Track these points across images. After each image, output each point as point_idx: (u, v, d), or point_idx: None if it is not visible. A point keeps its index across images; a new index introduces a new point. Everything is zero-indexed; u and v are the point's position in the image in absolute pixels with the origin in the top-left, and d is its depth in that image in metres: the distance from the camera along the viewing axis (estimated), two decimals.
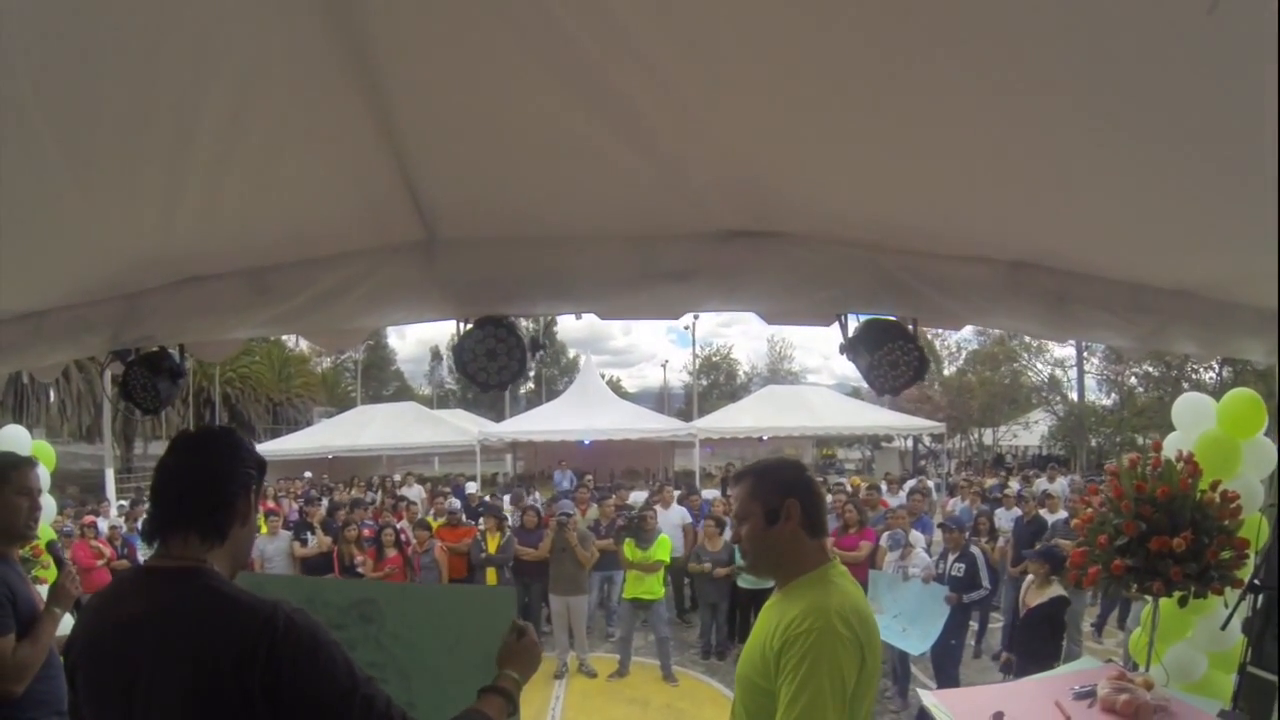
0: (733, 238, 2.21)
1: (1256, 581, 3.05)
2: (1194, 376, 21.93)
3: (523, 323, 2.55)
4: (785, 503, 1.89)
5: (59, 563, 2.80)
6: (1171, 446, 3.96)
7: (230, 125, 1.55)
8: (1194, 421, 4.06)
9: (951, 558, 6.65)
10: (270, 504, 10.65)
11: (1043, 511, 8.68)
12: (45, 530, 4.48)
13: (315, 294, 2.37)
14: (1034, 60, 1.31)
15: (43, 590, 2.61)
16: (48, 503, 5.00)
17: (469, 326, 2.47)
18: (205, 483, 1.48)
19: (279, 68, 1.40)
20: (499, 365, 2.46)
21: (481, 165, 1.86)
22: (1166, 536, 3.40)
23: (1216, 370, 20.56)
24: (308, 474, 17.59)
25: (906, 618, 6.23)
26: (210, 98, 1.45)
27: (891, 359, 2.44)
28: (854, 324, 2.53)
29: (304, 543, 8.54)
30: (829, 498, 8.74)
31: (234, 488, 1.49)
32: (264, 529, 8.43)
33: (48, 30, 1.23)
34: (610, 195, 2.02)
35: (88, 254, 2.25)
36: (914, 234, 2.22)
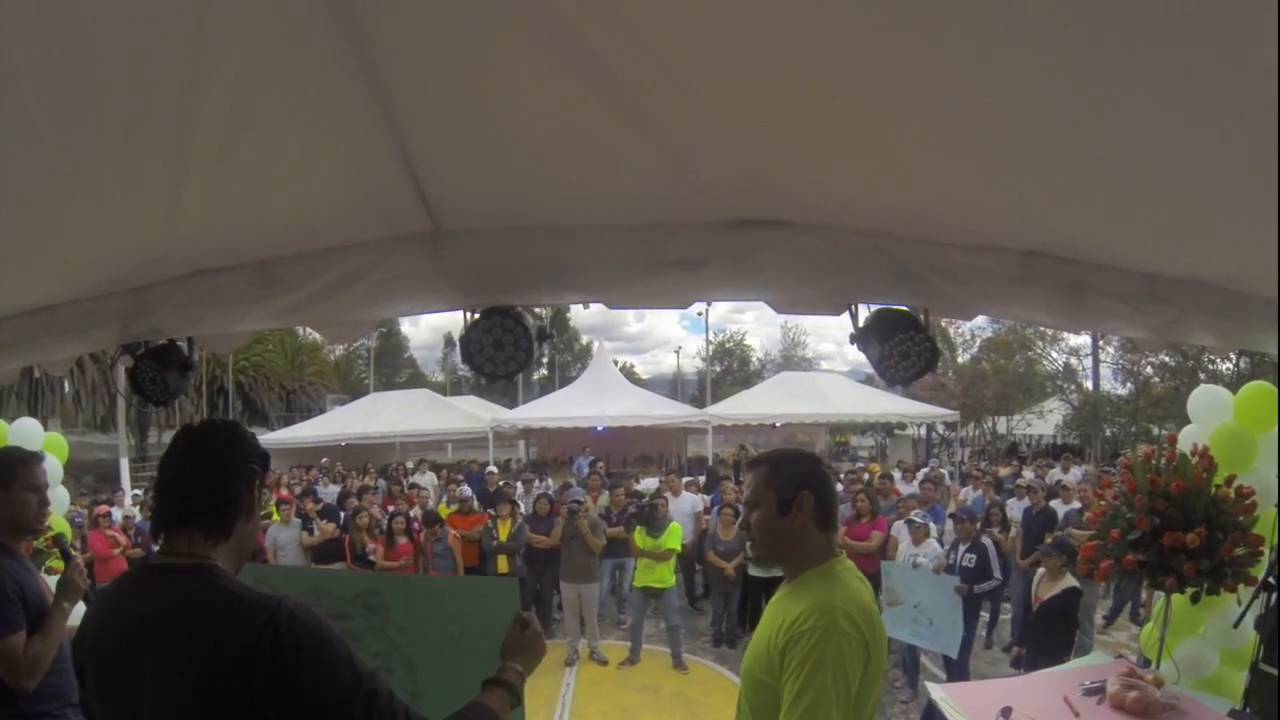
0: (742, 226, 2.19)
1: (1271, 579, 3.01)
2: (1210, 367, 21.62)
3: (535, 310, 2.54)
4: (800, 495, 1.89)
5: (65, 557, 2.83)
6: (1187, 440, 3.92)
7: (233, 118, 1.53)
8: (1210, 415, 4.01)
9: (963, 548, 6.62)
10: (283, 492, 10.69)
11: (1055, 502, 8.61)
12: (59, 523, 4.52)
13: (322, 286, 2.37)
14: (1048, 46, 1.28)
15: (53, 581, 2.63)
16: (60, 494, 5.05)
17: (475, 317, 2.46)
18: (208, 480, 1.47)
19: (281, 59, 1.39)
20: (506, 356, 2.45)
21: (487, 155, 1.85)
22: (1180, 532, 3.37)
23: (1234, 361, 20.25)
24: (324, 460, 17.63)
25: (925, 607, 6.17)
26: (212, 91, 1.44)
27: (902, 349, 2.42)
28: (864, 314, 2.51)
29: (311, 532, 8.59)
30: (840, 487, 8.70)
31: (236, 484, 1.49)
32: (276, 517, 8.53)
33: (47, 26, 1.22)
34: (618, 184, 2.01)
35: (94, 249, 2.26)
36: (925, 223, 2.19)
